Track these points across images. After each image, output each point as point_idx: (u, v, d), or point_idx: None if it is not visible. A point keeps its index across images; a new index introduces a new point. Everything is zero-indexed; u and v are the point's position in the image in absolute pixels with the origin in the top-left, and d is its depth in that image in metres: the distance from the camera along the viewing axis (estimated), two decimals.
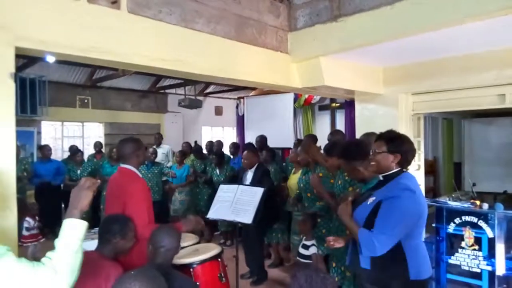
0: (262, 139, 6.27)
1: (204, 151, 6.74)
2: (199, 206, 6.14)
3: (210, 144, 6.79)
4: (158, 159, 6.49)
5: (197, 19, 3.05)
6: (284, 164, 6.12)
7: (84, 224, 1.47)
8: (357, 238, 2.07)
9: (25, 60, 6.29)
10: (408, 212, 2.01)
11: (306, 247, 3.44)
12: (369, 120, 4.41)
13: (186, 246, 3.21)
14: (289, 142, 8.34)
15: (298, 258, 3.53)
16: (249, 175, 4.43)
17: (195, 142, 7.25)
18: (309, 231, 3.44)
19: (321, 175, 3.76)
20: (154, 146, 6.76)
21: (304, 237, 3.52)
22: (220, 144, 6.70)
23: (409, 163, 2.19)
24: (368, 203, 2.15)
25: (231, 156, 6.52)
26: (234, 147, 6.56)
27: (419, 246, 2.11)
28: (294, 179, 4.40)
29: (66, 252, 1.39)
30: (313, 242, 3.40)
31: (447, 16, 2.65)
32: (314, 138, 5.85)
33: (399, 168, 2.15)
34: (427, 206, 2.22)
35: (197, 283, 2.42)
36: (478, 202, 3.58)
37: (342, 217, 2.24)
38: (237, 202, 3.34)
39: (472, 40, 3.21)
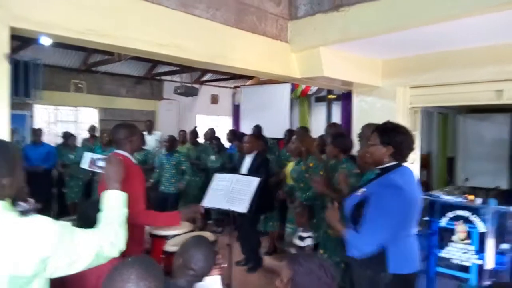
0: (258, 129, 6.26)
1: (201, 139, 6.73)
2: (189, 196, 6.15)
3: (210, 132, 6.75)
4: (150, 146, 6.46)
5: (197, 4, 3.00)
6: (278, 155, 6.12)
7: (125, 194, 1.62)
8: (345, 238, 2.10)
9: (19, 42, 6.17)
10: (393, 210, 1.98)
11: (302, 238, 3.47)
12: (366, 113, 4.40)
13: (180, 234, 3.21)
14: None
15: (291, 248, 3.56)
16: (247, 161, 4.44)
17: (195, 127, 7.19)
18: (307, 222, 3.46)
19: (311, 165, 3.78)
20: (146, 133, 6.72)
21: (301, 229, 3.54)
22: (213, 131, 6.69)
23: (404, 155, 2.14)
24: (357, 193, 2.18)
25: (229, 143, 6.52)
26: (232, 134, 6.54)
27: (402, 240, 2.07)
28: (292, 167, 4.41)
29: (117, 219, 1.53)
30: (310, 234, 3.43)
31: (449, 9, 2.62)
32: (306, 130, 5.89)
33: (396, 162, 2.13)
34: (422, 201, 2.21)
35: None
36: (471, 197, 3.61)
37: (330, 221, 2.27)
38: (232, 191, 3.34)
39: (472, 34, 3.19)
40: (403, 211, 2.01)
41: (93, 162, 1.67)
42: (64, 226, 1.33)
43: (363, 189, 2.18)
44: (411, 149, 2.16)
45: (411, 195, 2.06)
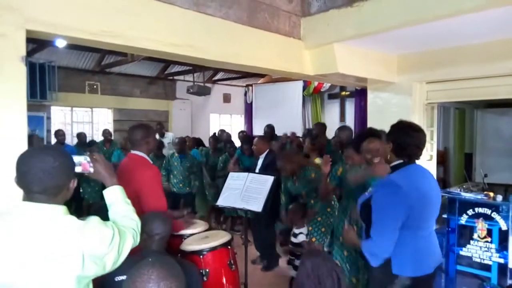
0: (270, 129, 6.23)
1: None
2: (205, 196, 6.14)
3: (225, 135, 6.66)
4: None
5: (209, 3, 2.98)
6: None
7: (121, 187, 1.65)
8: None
9: (35, 45, 6.28)
10: (388, 209, 1.94)
11: (295, 235, 3.61)
12: (381, 109, 4.33)
13: (196, 233, 3.21)
14: (297, 131, 8.29)
15: (290, 246, 3.69)
16: (260, 162, 4.47)
17: (214, 133, 7.11)
18: (299, 219, 3.59)
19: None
20: (157, 136, 6.70)
21: (295, 226, 3.65)
22: (228, 135, 6.64)
23: (408, 154, 2.03)
24: (366, 193, 2.20)
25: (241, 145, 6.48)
26: (242, 136, 6.50)
27: (406, 241, 1.97)
28: None
29: (129, 211, 1.59)
30: (301, 230, 3.57)
31: (468, 2, 2.55)
32: (323, 127, 5.83)
33: (403, 160, 2.05)
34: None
35: (197, 268, 2.37)
36: (491, 194, 3.53)
37: (348, 241, 2.28)
38: (247, 190, 3.32)
39: (490, 27, 3.10)
40: (401, 210, 1.92)
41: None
42: (112, 225, 1.39)
43: (370, 188, 2.21)
44: (415, 146, 2.03)
45: (413, 193, 1.95)
